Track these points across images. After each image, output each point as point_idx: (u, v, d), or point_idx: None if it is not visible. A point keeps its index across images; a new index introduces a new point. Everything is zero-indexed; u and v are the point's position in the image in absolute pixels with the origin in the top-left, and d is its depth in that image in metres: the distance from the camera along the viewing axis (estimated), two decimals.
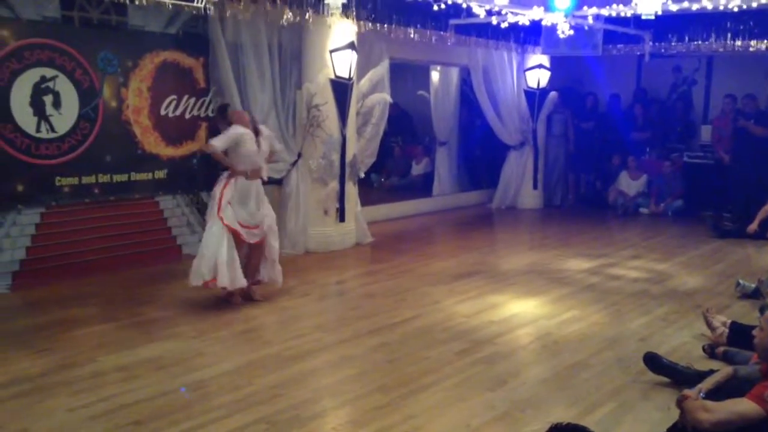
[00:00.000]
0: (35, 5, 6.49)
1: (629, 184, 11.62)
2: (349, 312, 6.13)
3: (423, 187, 12.58)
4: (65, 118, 6.82)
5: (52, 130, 6.74)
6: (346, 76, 8.12)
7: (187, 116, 7.81)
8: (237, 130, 5.97)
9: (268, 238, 6.24)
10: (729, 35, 9.83)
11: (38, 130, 6.64)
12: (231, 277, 5.89)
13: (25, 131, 6.55)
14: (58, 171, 6.83)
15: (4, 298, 6.30)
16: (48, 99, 6.68)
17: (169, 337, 5.34)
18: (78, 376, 4.55)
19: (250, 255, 6.19)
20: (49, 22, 6.63)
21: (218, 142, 5.90)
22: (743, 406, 3.35)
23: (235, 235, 5.95)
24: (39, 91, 6.61)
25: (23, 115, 6.53)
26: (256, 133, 6.11)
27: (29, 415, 4.03)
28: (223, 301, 6.12)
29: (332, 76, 8.09)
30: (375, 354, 5.08)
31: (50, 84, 6.67)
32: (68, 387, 4.39)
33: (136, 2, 6.33)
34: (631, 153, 11.71)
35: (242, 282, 6.00)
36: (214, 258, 5.83)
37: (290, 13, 7.47)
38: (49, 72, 6.64)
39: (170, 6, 6.48)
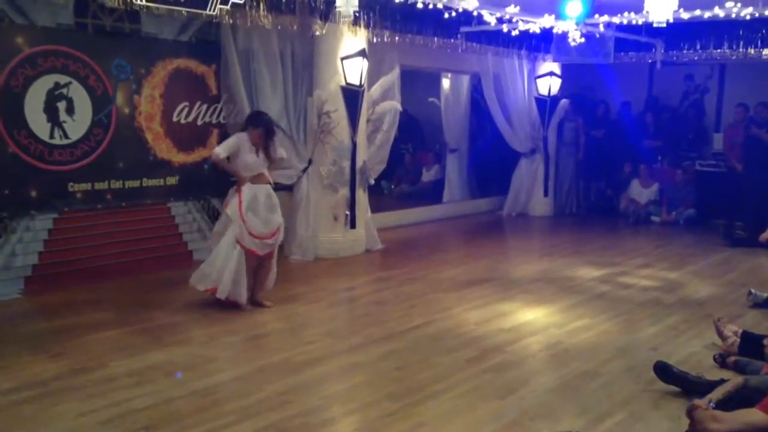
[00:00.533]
0: (49, 12, 6.55)
1: (640, 192, 11.58)
2: (359, 319, 6.14)
3: (433, 193, 12.58)
4: (78, 124, 6.88)
5: (66, 136, 6.80)
6: (357, 84, 8.15)
7: (199, 123, 7.86)
8: (237, 136, 6.07)
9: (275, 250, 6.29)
10: (741, 43, 9.80)
11: (52, 137, 6.70)
12: (231, 290, 6.00)
13: (39, 137, 6.61)
14: (71, 177, 6.88)
15: (16, 302, 6.34)
16: (61, 105, 6.74)
17: (180, 343, 5.36)
18: (89, 381, 4.58)
19: (259, 267, 6.21)
20: (63, 29, 6.69)
21: (220, 149, 6.02)
22: (754, 416, 3.34)
23: (250, 253, 6.02)
24: (53, 98, 6.67)
25: (37, 122, 6.58)
26: (266, 148, 6.14)
27: (40, 419, 4.06)
28: (233, 307, 6.14)
29: (343, 84, 8.12)
30: (385, 361, 5.08)
31: (64, 90, 6.73)
32: (79, 392, 4.42)
33: (144, 9, 6.37)
34: (643, 161, 11.67)
35: (241, 298, 6.08)
36: (222, 268, 5.93)
37: (302, 22, 7.50)
38: (62, 78, 6.70)
39: (184, 13, 6.53)
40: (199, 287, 6.08)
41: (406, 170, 13.69)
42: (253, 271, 6.16)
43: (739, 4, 8.37)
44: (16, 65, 6.39)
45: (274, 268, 6.37)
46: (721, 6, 8.43)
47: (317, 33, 7.84)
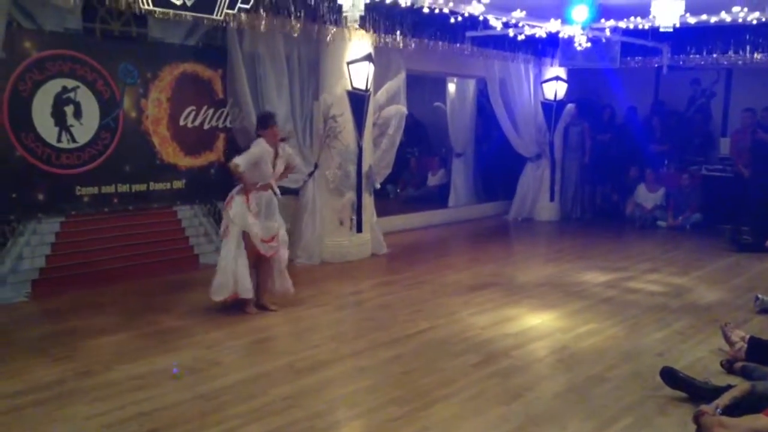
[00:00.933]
0: (58, 17, 6.59)
1: (647, 196, 11.55)
2: (364, 323, 6.13)
3: (439, 198, 12.58)
4: (86, 128, 6.91)
5: (73, 140, 6.83)
6: (363, 88, 8.16)
7: (206, 127, 7.88)
8: (261, 149, 6.04)
9: (279, 250, 6.30)
10: (748, 48, 9.79)
11: (59, 140, 6.74)
12: (247, 288, 6.06)
13: (46, 141, 6.65)
14: (78, 180, 6.91)
15: (23, 306, 6.36)
16: (69, 109, 6.77)
17: (185, 347, 5.37)
18: (94, 385, 4.59)
19: (259, 267, 6.24)
20: (71, 34, 6.72)
21: (242, 162, 5.97)
22: (761, 422, 3.33)
23: (254, 252, 6.06)
24: (60, 102, 6.71)
25: (45, 125, 6.62)
26: (277, 153, 6.16)
27: (46, 422, 4.07)
28: (238, 311, 6.15)
29: (349, 88, 8.14)
30: (390, 365, 5.08)
31: (71, 95, 6.77)
32: (85, 395, 4.43)
33: (156, 15, 6.39)
34: (649, 165, 11.64)
35: (250, 293, 6.13)
36: (234, 272, 5.98)
37: (308, 26, 7.52)
38: (70, 83, 6.74)
39: (190, 18, 6.55)
40: (219, 298, 6.07)
41: (411, 174, 13.70)
42: (255, 271, 6.19)
43: (745, 9, 8.35)
44: (25, 69, 6.43)
45: (286, 273, 6.39)
46: (728, 11, 8.42)
47: (323, 38, 7.85)
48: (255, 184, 6.06)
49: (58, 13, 6.55)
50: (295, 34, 7.61)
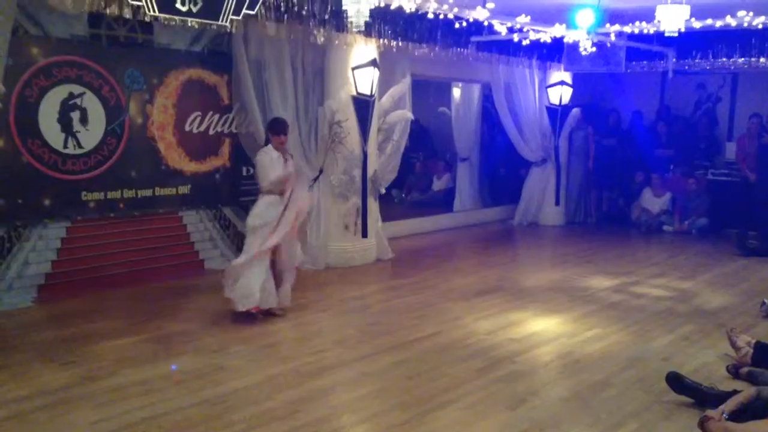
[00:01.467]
0: (64, 23, 6.63)
1: (653, 201, 11.52)
2: (369, 328, 6.13)
3: (444, 202, 12.58)
4: (92, 134, 6.94)
5: (79, 145, 6.87)
6: (368, 93, 8.17)
7: (211, 132, 7.91)
8: (264, 155, 6.09)
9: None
10: (754, 52, 9.76)
11: (65, 146, 6.77)
12: (271, 300, 6.14)
13: (53, 147, 6.68)
14: (84, 186, 6.95)
15: (28, 310, 6.39)
16: (75, 115, 6.81)
17: (190, 351, 5.38)
18: (100, 390, 4.60)
19: (274, 274, 6.27)
20: (77, 40, 6.76)
21: (265, 179, 6.04)
22: (766, 428, 3.31)
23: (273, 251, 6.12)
24: (67, 108, 6.74)
25: (51, 131, 6.65)
26: (285, 157, 6.19)
27: (52, 428, 4.08)
28: (244, 316, 6.15)
29: (354, 93, 8.15)
30: (394, 370, 5.08)
31: (78, 101, 6.80)
32: (90, 400, 4.44)
33: (162, 21, 6.41)
34: (655, 170, 11.62)
35: (274, 302, 6.19)
36: (264, 284, 6.03)
37: (314, 32, 7.53)
38: (76, 89, 6.78)
39: (195, 24, 6.58)
40: (240, 308, 6.03)
41: (417, 179, 13.70)
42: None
43: (751, 13, 8.35)
44: (31, 76, 6.46)
45: (287, 285, 6.39)
46: (733, 15, 8.41)
47: (329, 43, 7.87)
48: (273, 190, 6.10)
49: (65, 20, 6.59)
50: (304, 39, 7.63)
